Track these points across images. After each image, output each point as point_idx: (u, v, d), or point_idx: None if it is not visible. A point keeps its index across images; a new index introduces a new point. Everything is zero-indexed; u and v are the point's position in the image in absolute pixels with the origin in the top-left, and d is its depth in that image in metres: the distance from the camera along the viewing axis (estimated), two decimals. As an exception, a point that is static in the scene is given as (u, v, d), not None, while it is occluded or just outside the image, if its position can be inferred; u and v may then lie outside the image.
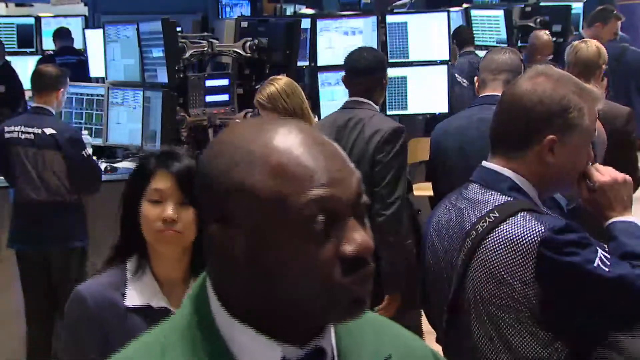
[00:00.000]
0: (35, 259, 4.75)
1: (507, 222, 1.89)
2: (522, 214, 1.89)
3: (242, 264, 1.07)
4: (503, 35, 7.72)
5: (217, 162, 1.09)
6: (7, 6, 11.50)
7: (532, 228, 1.86)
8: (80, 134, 4.95)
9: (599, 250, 1.88)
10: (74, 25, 9.21)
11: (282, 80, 4.07)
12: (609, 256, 1.89)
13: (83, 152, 4.77)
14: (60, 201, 4.67)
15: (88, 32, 8.59)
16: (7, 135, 4.78)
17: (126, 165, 5.35)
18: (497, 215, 1.91)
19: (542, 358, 1.89)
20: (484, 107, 3.79)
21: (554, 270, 1.86)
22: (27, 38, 9.39)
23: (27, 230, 4.72)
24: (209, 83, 5.24)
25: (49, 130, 4.70)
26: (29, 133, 4.73)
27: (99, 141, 5.70)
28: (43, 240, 4.69)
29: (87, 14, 10.48)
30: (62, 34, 8.83)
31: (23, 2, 11.59)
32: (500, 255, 1.88)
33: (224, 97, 5.32)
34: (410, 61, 6.79)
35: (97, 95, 5.88)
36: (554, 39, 7.73)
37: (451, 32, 7.32)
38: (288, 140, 1.07)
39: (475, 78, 3.95)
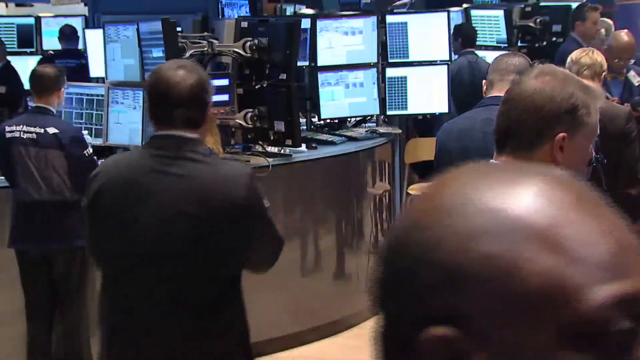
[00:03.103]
0: (36, 259, 4.76)
1: None
2: None
3: None
4: (503, 35, 7.72)
5: (435, 233, 0.69)
6: (7, 6, 11.49)
7: None
8: (82, 134, 4.96)
9: None
10: (74, 25, 9.19)
11: None
12: None
13: (85, 152, 4.79)
14: (62, 200, 4.68)
15: (88, 32, 8.58)
16: (8, 135, 4.78)
17: (126, 165, 5.34)
18: None
19: None
20: (490, 108, 3.78)
21: None
22: (27, 38, 9.38)
23: (29, 230, 4.72)
24: (209, 83, 5.24)
25: (51, 130, 4.71)
26: (31, 132, 4.73)
27: (99, 141, 5.69)
28: (45, 239, 4.69)
29: (87, 14, 10.45)
30: (67, 35, 8.82)
31: (23, 2, 11.58)
32: None
33: (224, 97, 5.32)
34: (410, 61, 6.79)
35: (97, 95, 5.88)
36: (554, 39, 7.73)
37: (454, 29, 7.32)
38: (560, 201, 0.69)
39: (483, 80, 3.95)
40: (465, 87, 6.67)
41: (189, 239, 2.64)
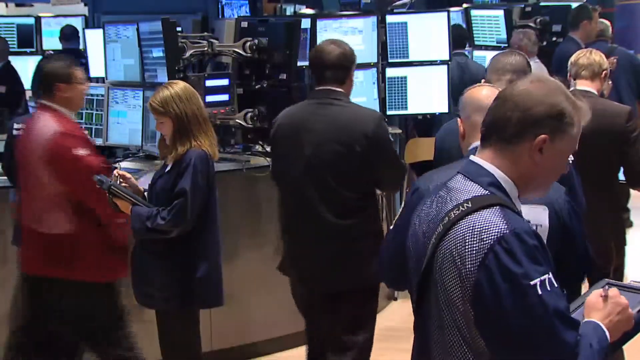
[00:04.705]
0: None
1: (478, 213, 1.96)
2: (494, 209, 1.96)
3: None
4: (503, 35, 7.72)
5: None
6: (7, 6, 11.48)
7: (496, 223, 1.93)
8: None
9: (548, 275, 1.91)
10: (74, 25, 9.20)
11: (178, 85, 3.99)
12: (556, 287, 1.91)
13: None
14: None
15: (88, 32, 8.58)
16: (15, 132, 4.81)
17: (126, 165, 5.35)
18: (470, 205, 1.98)
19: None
20: (489, 108, 3.80)
21: (494, 268, 1.90)
22: (27, 38, 9.39)
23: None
24: (209, 83, 5.25)
25: None
26: None
27: (99, 141, 5.69)
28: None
29: (87, 14, 10.45)
30: (67, 35, 8.82)
31: (23, 2, 11.58)
32: (461, 242, 1.95)
33: (224, 97, 5.32)
34: (410, 61, 6.79)
35: (97, 95, 5.88)
36: (554, 39, 7.73)
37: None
38: None
39: (482, 80, 3.95)
40: (454, 88, 6.65)
41: (334, 158, 3.87)
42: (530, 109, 2.01)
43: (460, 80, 6.79)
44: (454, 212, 1.99)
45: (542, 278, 1.90)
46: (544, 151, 2.01)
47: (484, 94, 2.95)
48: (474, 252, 1.92)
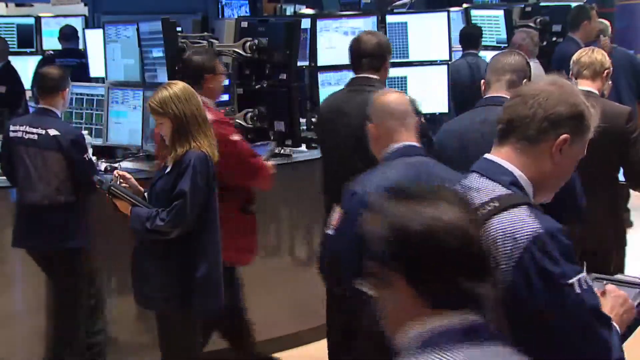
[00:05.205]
0: (40, 259, 4.77)
1: (508, 212, 1.92)
2: (522, 207, 1.93)
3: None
4: (503, 35, 7.72)
5: None
6: (7, 6, 11.49)
7: (529, 223, 1.90)
8: (83, 138, 4.94)
9: (582, 273, 1.91)
10: (74, 25, 9.19)
11: (177, 86, 3.98)
12: (590, 284, 1.91)
13: (85, 156, 4.78)
14: (59, 202, 4.68)
15: (88, 32, 8.59)
16: (11, 134, 4.81)
17: (126, 165, 5.35)
18: (498, 204, 1.94)
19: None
20: (487, 108, 3.80)
21: (531, 269, 1.88)
22: (27, 38, 9.38)
23: (28, 231, 4.72)
24: (209, 83, 5.24)
25: (52, 132, 4.72)
26: (32, 133, 4.75)
27: (99, 141, 5.69)
28: (43, 241, 4.70)
29: (87, 14, 10.45)
30: (67, 35, 8.81)
31: (23, 2, 11.58)
32: (492, 243, 1.90)
33: (224, 97, 5.32)
34: (410, 61, 6.79)
35: (97, 95, 5.88)
36: (554, 39, 7.73)
37: (458, 31, 7.31)
38: None
39: (482, 80, 3.95)
40: (464, 88, 6.66)
41: (362, 137, 3.73)
42: (554, 108, 1.99)
43: (471, 80, 6.78)
44: (480, 211, 1.94)
45: (579, 277, 1.88)
46: (563, 151, 2.00)
47: (393, 98, 3.24)
48: (508, 252, 1.89)
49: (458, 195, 1.62)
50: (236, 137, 4.45)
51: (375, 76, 4.40)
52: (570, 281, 1.87)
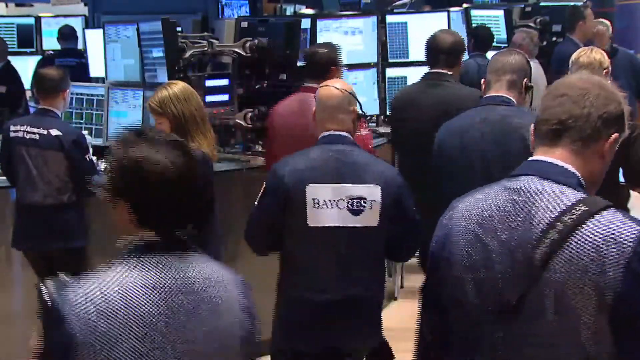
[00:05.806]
0: (39, 259, 4.77)
1: (600, 215, 1.86)
2: (612, 210, 1.88)
3: None
4: (503, 35, 7.72)
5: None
6: (7, 6, 11.49)
7: (627, 225, 1.85)
8: (84, 138, 4.94)
9: None
10: (74, 25, 9.20)
11: (176, 86, 3.98)
12: None
13: (86, 156, 4.79)
14: (60, 202, 4.68)
15: (88, 32, 8.59)
16: (12, 135, 4.81)
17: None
18: (586, 208, 1.87)
19: (613, 354, 1.85)
20: (487, 108, 3.80)
21: None
22: (27, 38, 9.39)
23: (29, 231, 4.73)
24: (209, 83, 5.25)
25: (54, 132, 4.72)
26: (33, 133, 4.75)
27: (99, 141, 5.70)
28: (43, 240, 4.70)
29: (87, 14, 10.45)
30: (66, 35, 8.81)
31: (23, 2, 11.59)
32: (593, 249, 1.83)
33: (224, 97, 5.32)
34: (410, 61, 6.79)
35: (97, 95, 5.88)
36: (554, 39, 7.73)
37: (471, 30, 7.28)
38: None
39: (482, 80, 3.96)
40: (473, 87, 6.63)
41: (434, 131, 3.99)
42: (606, 107, 1.97)
43: (480, 80, 6.75)
44: (568, 217, 1.86)
45: None
46: (610, 150, 1.98)
47: (326, 92, 3.48)
48: (615, 258, 1.81)
49: (179, 143, 2.02)
50: (363, 132, 4.55)
51: (449, 72, 4.72)
52: None
